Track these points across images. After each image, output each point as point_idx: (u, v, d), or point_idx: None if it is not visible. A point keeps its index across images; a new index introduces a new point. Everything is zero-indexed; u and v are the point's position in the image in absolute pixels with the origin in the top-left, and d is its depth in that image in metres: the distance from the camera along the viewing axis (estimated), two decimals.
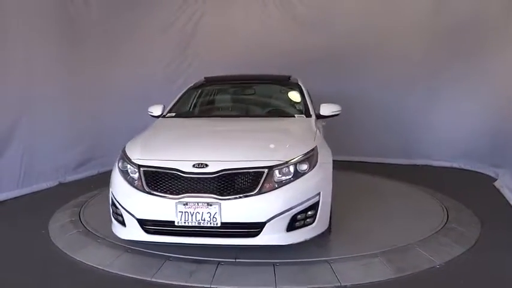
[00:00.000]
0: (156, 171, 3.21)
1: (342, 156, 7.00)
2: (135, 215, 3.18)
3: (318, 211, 3.33)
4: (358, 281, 3.10)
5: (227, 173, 3.14)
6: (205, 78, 5.18)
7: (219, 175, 3.14)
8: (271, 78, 5.34)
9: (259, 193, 3.12)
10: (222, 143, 3.60)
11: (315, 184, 3.32)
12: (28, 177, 5.43)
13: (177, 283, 2.97)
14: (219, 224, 3.07)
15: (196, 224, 3.07)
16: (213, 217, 3.05)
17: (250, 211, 3.11)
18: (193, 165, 3.16)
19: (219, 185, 3.13)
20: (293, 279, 3.09)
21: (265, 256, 3.31)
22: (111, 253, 3.45)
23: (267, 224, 3.10)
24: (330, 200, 3.46)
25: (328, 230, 3.66)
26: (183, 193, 3.09)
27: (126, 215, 3.24)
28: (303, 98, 4.59)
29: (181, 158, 3.26)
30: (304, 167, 3.32)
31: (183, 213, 3.06)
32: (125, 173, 3.34)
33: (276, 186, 3.17)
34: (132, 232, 3.22)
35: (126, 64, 6.55)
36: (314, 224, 3.33)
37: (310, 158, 3.37)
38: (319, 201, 3.33)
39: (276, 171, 3.20)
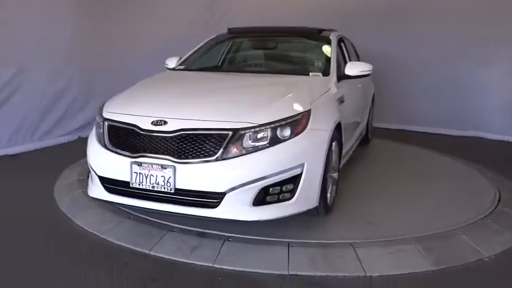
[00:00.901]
0: (117, 125, 2.84)
1: (383, 124, 6.66)
2: (97, 172, 2.89)
3: (298, 185, 2.70)
4: (387, 271, 2.55)
5: (186, 133, 2.62)
6: (228, 29, 4.65)
7: (177, 135, 2.62)
8: (299, 31, 4.68)
9: (220, 159, 2.55)
10: (195, 99, 3.06)
11: (298, 153, 2.68)
12: (46, 131, 5.21)
13: (176, 259, 2.60)
14: (172, 190, 2.60)
15: (150, 188, 2.64)
16: (167, 181, 2.58)
17: (208, 179, 2.57)
18: (152, 122, 2.68)
19: (177, 147, 2.61)
20: (309, 264, 2.60)
21: (280, 234, 2.86)
22: (111, 219, 3.12)
23: (226, 195, 2.56)
24: (320, 173, 2.80)
25: (324, 209, 3.05)
26: (139, 152, 2.67)
27: (91, 172, 2.99)
28: (329, 54, 3.87)
29: (143, 113, 2.80)
30: (286, 132, 2.68)
31: (138, 174, 2.64)
32: (97, 127, 3.04)
33: (244, 152, 2.57)
34: (96, 190, 2.92)
35: (151, 20, 6.22)
36: (293, 200, 2.70)
37: (295, 122, 2.73)
38: (301, 174, 2.68)
39: (247, 135, 2.59)
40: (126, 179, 2.67)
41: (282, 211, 2.67)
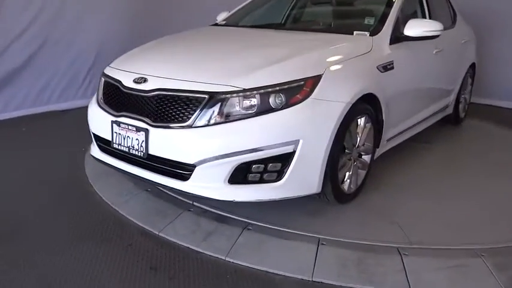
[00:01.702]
0: (108, 81, 2.65)
1: (490, 100, 5.63)
2: (91, 129, 2.78)
3: (289, 166, 2.23)
4: None
5: (163, 94, 2.30)
6: None
7: (154, 95, 2.32)
8: None
9: (193, 126, 2.19)
10: (190, 58, 2.69)
11: (292, 127, 2.20)
12: (93, 88, 5.09)
13: (185, 245, 2.30)
14: (145, 156, 2.34)
15: (127, 150, 2.43)
16: (141, 145, 2.34)
17: (178, 147, 2.25)
18: (133, 80, 2.43)
19: (153, 108, 2.32)
20: (339, 271, 2.14)
21: (312, 227, 2.44)
22: (130, 189, 2.89)
23: (197, 168, 2.21)
24: (323, 154, 2.28)
25: (336, 198, 2.55)
26: (121, 111, 2.46)
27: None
28: (387, 9, 3.13)
29: (130, 69, 2.56)
30: (280, 100, 2.20)
31: (117, 134, 2.45)
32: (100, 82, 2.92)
33: (223, 120, 2.17)
34: (93, 148, 2.81)
35: None
36: (281, 182, 2.25)
37: (293, 89, 2.23)
38: (293, 152, 2.20)
39: (228, 101, 2.18)
40: (109, 138, 2.51)
41: (265, 193, 2.24)
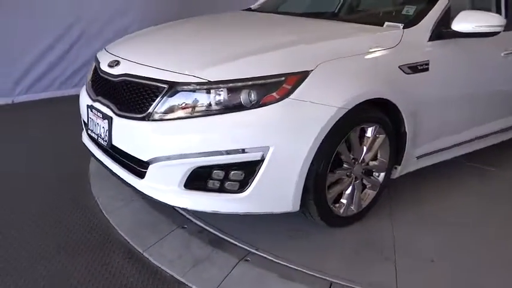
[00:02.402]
0: (95, 65, 2.48)
1: None
2: (81, 113, 2.61)
3: (256, 176, 1.86)
4: None
5: (128, 80, 2.07)
6: None
7: (120, 80, 2.10)
8: None
9: (149, 118, 1.92)
10: (177, 44, 2.40)
11: (262, 130, 1.83)
12: None
13: (169, 272, 1.98)
14: (109, 146, 2.15)
15: (96, 138, 2.27)
16: (105, 134, 2.15)
17: (135, 140, 2.01)
18: (108, 63, 2.23)
19: (119, 95, 2.10)
20: None
21: (322, 265, 2.02)
22: (126, 194, 2.57)
23: (150, 166, 1.95)
24: (299, 167, 1.87)
25: (324, 219, 2.15)
26: (98, 96, 2.28)
27: None
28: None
29: (114, 52, 2.36)
30: (251, 97, 1.84)
31: (91, 120, 2.29)
32: None
33: (182, 115, 1.87)
34: (83, 133, 2.64)
35: None
36: (245, 194, 1.89)
37: (269, 86, 1.85)
38: (262, 160, 1.84)
39: (190, 93, 1.87)
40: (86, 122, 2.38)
41: (224, 205, 1.91)
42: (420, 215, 2.45)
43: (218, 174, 1.87)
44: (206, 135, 1.84)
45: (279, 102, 1.84)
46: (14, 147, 3.38)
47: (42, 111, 4.29)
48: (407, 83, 2.22)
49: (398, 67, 2.18)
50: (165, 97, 1.88)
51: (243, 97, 1.85)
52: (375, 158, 2.29)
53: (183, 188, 1.91)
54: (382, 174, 2.33)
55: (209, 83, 1.85)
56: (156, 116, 1.90)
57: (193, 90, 1.86)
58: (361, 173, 2.22)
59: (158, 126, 1.89)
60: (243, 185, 1.89)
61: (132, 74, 2.02)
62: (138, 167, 2.01)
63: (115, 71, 2.12)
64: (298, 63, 1.91)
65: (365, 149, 2.17)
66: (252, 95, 1.84)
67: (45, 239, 2.21)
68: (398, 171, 2.44)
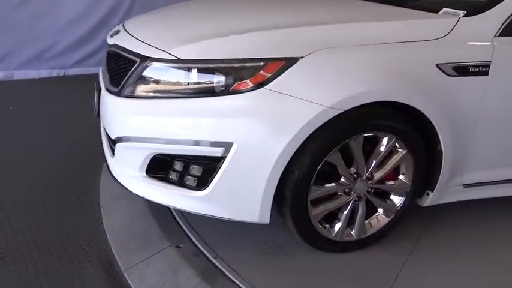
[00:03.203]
0: None
1: None
2: None
3: (216, 174, 1.59)
4: None
5: (115, 51, 1.92)
6: None
7: (110, 51, 1.98)
8: None
9: (121, 94, 1.74)
10: (180, 18, 2.18)
11: (226, 122, 1.55)
12: None
13: None
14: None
15: (94, 109, 2.18)
16: (96, 105, 2.07)
17: (110, 116, 1.85)
18: (112, 32, 2.13)
19: (109, 66, 1.98)
20: None
21: None
22: (126, 197, 2.23)
23: (117, 145, 1.79)
24: (267, 170, 1.54)
25: (303, 239, 1.79)
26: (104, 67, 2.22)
27: None
28: None
29: (125, 24, 2.19)
30: (223, 82, 1.55)
31: (95, 90, 2.18)
32: None
33: (149, 93, 1.66)
34: None
35: None
36: (205, 192, 1.63)
37: (245, 71, 1.54)
38: (223, 158, 1.54)
39: (158, 70, 1.65)
40: None
41: (181, 201, 1.67)
42: (446, 257, 1.90)
43: (178, 165, 1.65)
44: (168, 120, 1.61)
45: (252, 92, 1.52)
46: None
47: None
48: (448, 88, 1.69)
49: (437, 65, 1.68)
50: (134, 72, 1.70)
51: (215, 81, 1.59)
52: (393, 177, 1.85)
53: (145, 175, 1.73)
54: (402, 199, 1.87)
55: (178, 60, 1.60)
56: (126, 92, 1.72)
57: (162, 68, 1.65)
58: (368, 192, 1.80)
59: (124, 103, 1.71)
60: (202, 183, 1.63)
61: (118, 45, 1.88)
62: (111, 143, 1.88)
63: (111, 40, 2.02)
64: (285, 48, 1.55)
65: (374, 163, 1.74)
66: (223, 80, 1.58)
67: (30, 236, 2.02)
68: (430, 199, 1.93)
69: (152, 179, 1.72)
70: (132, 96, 1.70)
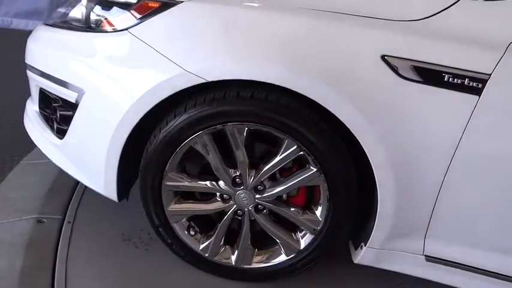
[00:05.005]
0: None
1: None
2: None
3: (69, 124, 1.35)
4: None
5: None
6: None
7: None
8: None
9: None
10: None
11: (82, 64, 1.29)
12: None
13: None
14: None
15: None
16: None
17: None
18: None
19: None
20: None
21: None
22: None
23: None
24: (110, 133, 1.23)
25: (162, 240, 1.44)
26: None
27: None
28: None
29: None
30: (99, 16, 1.30)
31: None
32: None
33: (58, 23, 1.46)
34: None
35: None
36: (61, 142, 1.42)
37: (117, 7, 1.26)
38: (76, 104, 1.30)
39: None
40: None
41: (46, 146, 1.46)
42: None
43: (51, 107, 1.45)
44: (48, 50, 1.41)
45: (115, 33, 1.21)
46: None
47: None
48: (399, 99, 1.11)
49: (382, 57, 1.12)
50: None
51: (95, 15, 1.33)
52: (302, 204, 1.32)
53: (39, 110, 1.58)
54: (308, 238, 1.33)
55: None
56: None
57: None
58: (257, 209, 1.31)
59: (37, 29, 1.57)
60: (60, 129, 1.41)
61: None
62: None
63: None
64: None
65: (264, 171, 1.24)
66: (100, 15, 1.30)
67: None
68: (362, 255, 1.32)
69: (40, 116, 1.57)
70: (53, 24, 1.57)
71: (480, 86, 1.08)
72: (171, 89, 1.15)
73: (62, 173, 1.72)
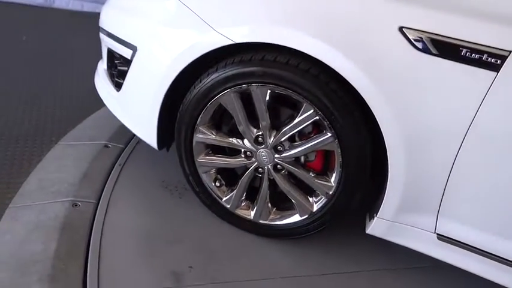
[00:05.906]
0: None
1: None
2: None
3: (125, 77, 1.53)
4: None
5: None
6: None
7: None
8: None
9: None
10: None
11: (135, 22, 1.48)
12: None
13: None
14: None
15: None
16: None
17: None
18: None
19: None
20: None
21: None
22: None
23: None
24: (157, 84, 1.40)
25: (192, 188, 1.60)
26: None
27: None
28: None
29: None
30: None
31: None
32: None
33: None
34: None
35: None
36: (119, 93, 1.62)
37: None
38: (130, 60, 1.48)
39: None
40: None
41: (106, 98, 1.69)
42: None
43: (114, 63, 1.66)
44: (113, 13, 1.62)
45: None
46: None
47: None
48: (413, 70, 1.11)
49: (400, 29, 1.12)
50: None
51: None
52: (318, 168, 1.36)
53: (105, 68, 1.80)
54: (321, 201, 1.38)
55: None
56: None
57: None
58: (276, 169, 1.39)
59: None
60: (119, 84, 1.60)
61: None
62: None
63: None
64: None
65: (283, 131, 1.32)
66: None
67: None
68: (372, 226, 1.34)
69: (109, 75, 1.80)
70: None
71: (499, 62, 1.07)
72: (203, 48, 1.29)
73: (97, 156, 1.88)
